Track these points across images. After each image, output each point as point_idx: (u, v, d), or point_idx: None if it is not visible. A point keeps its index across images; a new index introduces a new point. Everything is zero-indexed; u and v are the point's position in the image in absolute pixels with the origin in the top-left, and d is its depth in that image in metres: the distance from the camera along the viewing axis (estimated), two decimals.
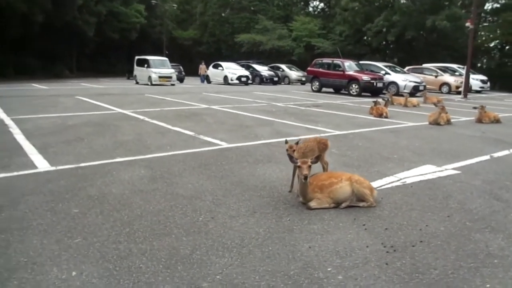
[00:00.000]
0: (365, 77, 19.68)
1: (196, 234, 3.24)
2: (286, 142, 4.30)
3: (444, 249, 3.10)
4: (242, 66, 30.68)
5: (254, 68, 30.68)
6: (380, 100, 12.52)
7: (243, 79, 27.96)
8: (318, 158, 3.84)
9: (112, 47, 44.08)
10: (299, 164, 3.77)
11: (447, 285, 2.60)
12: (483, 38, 37.67)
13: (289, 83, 31.75)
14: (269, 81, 29.50)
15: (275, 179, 4.81)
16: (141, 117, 9.72)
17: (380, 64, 23.28)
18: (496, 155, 6.58)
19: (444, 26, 32.89)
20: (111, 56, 46.17)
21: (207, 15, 50.91)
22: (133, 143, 6.73)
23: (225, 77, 28.31)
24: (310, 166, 3.73)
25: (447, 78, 25.12)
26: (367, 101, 15.72)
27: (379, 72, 21.60)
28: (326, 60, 22.95)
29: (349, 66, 20.93)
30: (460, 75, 25.17)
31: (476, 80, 26.36)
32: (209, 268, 2.72)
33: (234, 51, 46.52)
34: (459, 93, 23.06)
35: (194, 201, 3.99)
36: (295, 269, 2.73)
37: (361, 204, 3.94)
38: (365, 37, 40.28)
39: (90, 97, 14.67)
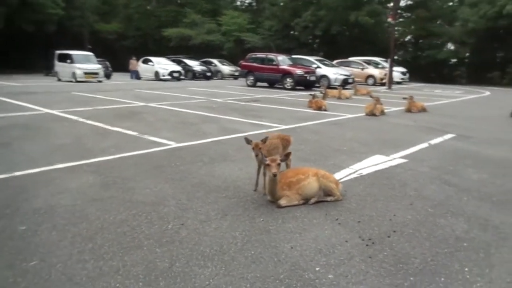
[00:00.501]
0: (299, 71, 20.12)
1: (170, 244, 3.01)
2: (249, 142, 4.10)
3: (417, 237, 3.19)
4: (173, 61, 29.79)
5: (185, 63, 29.97)
6: (318, 93, 12.84)
7: (175, 74, 27.19)
8: (287, 156, 3.77)
9: (27, 41, 40.32)
10: (267, 162, 3.67)
11: (431, 272, 2.68)
12: (399, 33, 40.47)
13: (222, 78, 31.50)
14: (202, 76, 29.03)
15: (236, 178, 4.67)
16: (74, 117, 8.98)
17: (311, 58, 23.97)
18: (433, 142, 7.03)
19: (366, 22, 34.74)
20: (25, 51, 42.23)
21: (132, 7, 48.63)
22: (72, 146, 6.17)
23: (156, 73, 27.27)
24: (279, 164, 3.65)
25: (372, 70, 26.58)
26: (303, 95, 16.11)
27: (311, 66, 22.21)
28: (260, 55, 23.09)
29: (283, 61, 21.26)
30: (383, 67, 26.80)
31: (397, 72, 28.17)
32: (194, 281, 2.53)
33: (161, 45, 44.96)
34: (383, 84, 24.53)
35: (157, 208, 3.72)
36: (284, 272, 2.64)
37: (328, 198, 3.95)
38: (293, 32, 41.22)
39: (9, 96, 13.26)
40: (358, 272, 2.65)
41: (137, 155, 5.67)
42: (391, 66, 22.35)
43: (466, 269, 2.73)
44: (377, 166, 5.33)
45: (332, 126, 8.74)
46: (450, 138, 7.42)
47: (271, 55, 22.12)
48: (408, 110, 11.45)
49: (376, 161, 5.58)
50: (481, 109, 13.36)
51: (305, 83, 20.35)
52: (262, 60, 21.93)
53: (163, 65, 27.91)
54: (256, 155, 3.96)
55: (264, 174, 4.06)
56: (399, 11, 41.00)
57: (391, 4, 32.79)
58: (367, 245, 3.04)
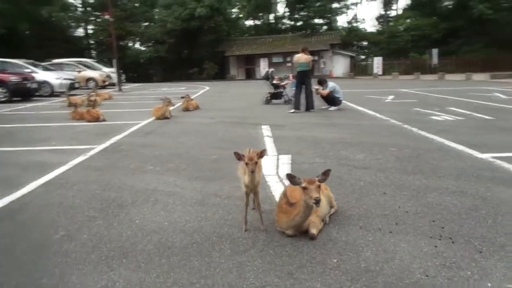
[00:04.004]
0: (14, 78, 16.04)
1: None
2: (240, 158, 2.89)
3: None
4: None
5: None
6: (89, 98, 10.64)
7: None
8: (326, 174, 2.77)
9: None
10: (304, 185, 2.63)
11: None
12: (96, 32, 39.10)
13: None
14: None
15: (172, 226, 3.14)
16: None
17: (18, 61, 19.57)
18: (270, 134, 7.06)
19: (62, 17, 31.41)
20: None
21: None
22: None
23: None
24: (319, 187, 2.67)
25: (91, 73, 24.50)
26: (37, 106, 13.05)
27: (23, 70, 18.21)
28: None
29: None
30: (101, 70, 25.24)
31: (114, 74, 27.10)
32: None
33: None
34: (104, 87, 23.17)
35: None
36: None
37: (332, 210, 3.27)
38: None
39: None
40: None
41: None
42: (118, 67, 21.25)
43: None
44: (299, 165, 4.82)
45: (150, 135, 7.40)
46: (272, 129, 7.59)
47: None
48: (186, 109, 11.18)
49: (286, 160, 5.04)
50: (235, 101, 14.60)
51: (24, 92, 16.51)
52: None
53: None
54: (252, 172, 2.80)
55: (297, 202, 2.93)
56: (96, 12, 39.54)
57: None
58: (479, 252, 2.62)
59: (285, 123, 8.42)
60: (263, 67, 34.69)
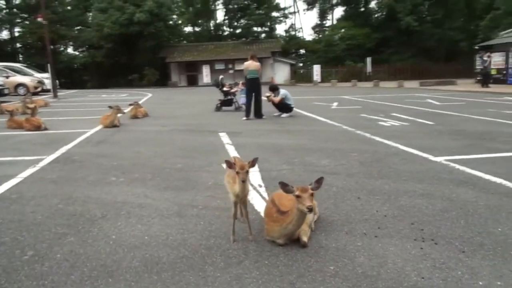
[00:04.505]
0: None
1: None
2: (232, 164, 2.82)
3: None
4: None
5: None
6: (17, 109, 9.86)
7: None
8: (319, 182, 2.76)
9: None
10: (298, 193, 2.62)
11: None
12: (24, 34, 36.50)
13: None
14: None
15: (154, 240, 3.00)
16: None
17: None
18: (230, 141, 7.01)
19: None
20: None
21: None
22: None
23: None
24: (312, 195, 2.68)
25: (22, 78, 22.81)
26: None
27: None
28: None
29: None
30: (33, 75, 23.62)
31: (47, 79, 25.49)
32: None
33: None
34: (36, 93, 21.75)
35: None
36: None
37: (315, 217, 3.31)
38: None
39: None
40: None
41: None
42: (53, 73, 19.98)
43: None
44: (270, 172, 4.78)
45: (103, 145, 7.01)
46: (230, 136, 7.53)
47: None
48: (135, 116, 10.79)
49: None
50: (184, 108, 14.30)
51: None
52: None
53: None
54: (243, 181, 2.76)
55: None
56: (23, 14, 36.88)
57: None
58: (462, 252, 2.76)
59: (241, 130, 8.40)
60: (206, 74, 34.53)
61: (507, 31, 26.04)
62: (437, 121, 9.15)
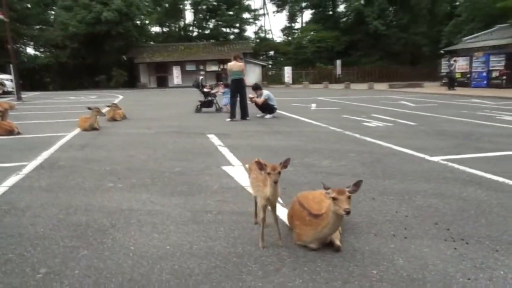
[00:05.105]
0: None
1: None
2: (262, 167, 2.68)
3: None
4: None
5: None
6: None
7: None
8: (358, 185, 2.66)
9: None
10: (334, 195, 2.53)
11: None
12: None
13: None
14: None
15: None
16: None
17: None
18: (221, 143, 6.85)
19: None
20: None
21: None
22: None
23: None
24: (350, 197, 2.59)
25: None
26: None
27: None
28: None
29: None
30: None
31: (7, 81, 24.36)
32: None
33: None
34: None
35: None
36: None
37: None
38: None
39: None
40: None
41: None
42: (16, 74, 19.01)
43: None
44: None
45: (88, 149, 6.67)
46: (220, 138, 7.37)
47: None
48: (113, 119, 10.39)
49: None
50: (162, 110, 13.93)
51: None
52: None
53: None
54: (275, 182, 2.63)
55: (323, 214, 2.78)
56: None
57: None
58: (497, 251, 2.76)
59: (229, 132, 8.25)
60: (176, 75, 34.02)
61: (470, 36, 27.22)
62: (419, 122, 9.35)
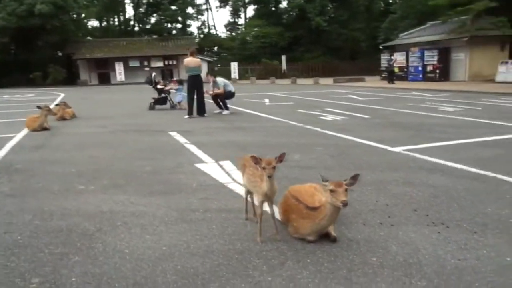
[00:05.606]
0: None
1: None
2: (257, 162, 2.70)
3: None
4: None
5: None
6: None
7: None
8: (355, 179, 2.76)
9: None
10: (332, 187, 2.62)
11: None
12: None
13: None
14: None
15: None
16: None
17: None
18: (193, 140, 6.75)
19: None
20: None
21: None
22: None
23: None
24: (347, 190, 2.69)
25: None
26: None
27: None
28: None
29: None
30: None
31: None
32: None
33: None
34: None
35: None
36: None
37: None
38: None
39: None
40: None
41: None
42: None
43: None
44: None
45: (44, 150, 6.27)
46: (184, 135, 7.26)
47: None
48: (62, 118, 9.83)
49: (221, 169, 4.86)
50: (112, 108, 13.36)
51: None
52: None
53: None
54: (269, 176, 2.68)
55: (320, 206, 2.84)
56: None
57: None
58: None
59: (191, 129, 8.13)
60: (119, 71, 32.78)
61: (405, 33, 28.86)
62: (372, 115, 9.80)
